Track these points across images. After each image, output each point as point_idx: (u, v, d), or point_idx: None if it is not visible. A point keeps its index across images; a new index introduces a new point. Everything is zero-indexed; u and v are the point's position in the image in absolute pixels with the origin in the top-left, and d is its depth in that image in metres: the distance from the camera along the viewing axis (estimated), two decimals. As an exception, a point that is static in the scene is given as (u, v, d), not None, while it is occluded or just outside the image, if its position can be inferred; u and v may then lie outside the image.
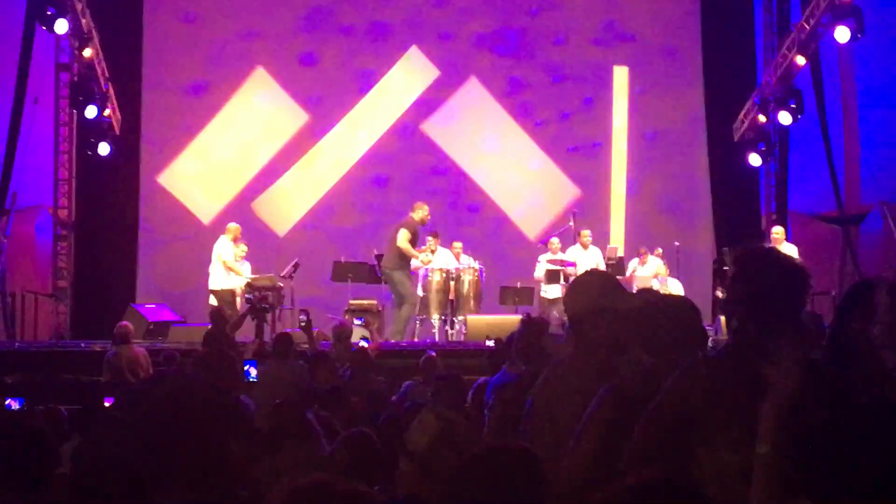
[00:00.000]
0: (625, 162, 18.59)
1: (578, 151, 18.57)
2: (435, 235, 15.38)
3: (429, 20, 18.36)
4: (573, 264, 15.62)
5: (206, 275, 15.09)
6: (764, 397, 2.92)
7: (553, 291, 15.59)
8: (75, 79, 16.37)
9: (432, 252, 15.10)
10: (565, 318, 12.76)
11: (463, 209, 18.28)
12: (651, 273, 15.65)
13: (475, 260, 15.54)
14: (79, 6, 15.33)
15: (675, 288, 15.41)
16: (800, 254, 15.17)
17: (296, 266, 15.03)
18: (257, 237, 16.95)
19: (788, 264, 3.25)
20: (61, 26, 14.95)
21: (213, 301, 15.17)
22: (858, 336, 3.82)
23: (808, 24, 15.73)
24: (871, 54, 17.12)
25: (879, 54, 17.06)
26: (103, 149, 16.46)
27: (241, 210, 17.42)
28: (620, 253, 16.90)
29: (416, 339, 14.59)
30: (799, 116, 16.35)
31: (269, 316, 13.30)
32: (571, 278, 15.53)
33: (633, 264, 16.09)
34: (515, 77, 18.53)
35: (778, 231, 15.39)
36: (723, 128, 17.93)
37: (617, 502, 2.18)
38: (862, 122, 17.64)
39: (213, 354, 8.21)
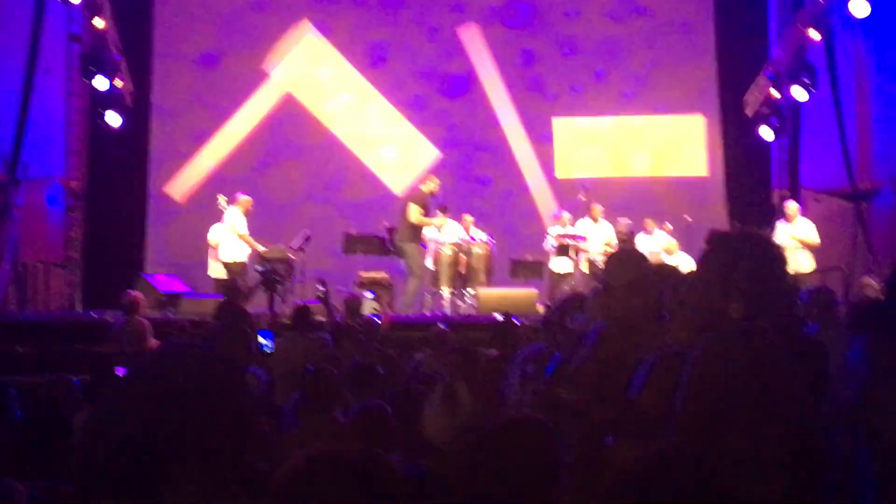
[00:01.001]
0: (636, 137, 18.54)
1: (590, 125, 18.52)
2: (444, 209, 15.36)
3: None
4: (584, 238, 15.61)
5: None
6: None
7: (563, 265, 15.58)
8: (87, 49, 16.32)
9: (439, 227, 15.11)
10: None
11: (474, 182, 18.24)
12: (658, 247, 15.60)
13: (485, 233, 15.53)
14: (91, -25, 15.30)
15: (685, 263, 15.36)
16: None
17: (307, 238, 15.03)
18: (268, 209, 16.96)
19: (763, 244, 3.26)
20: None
21: (215, 273, 15.19)
22: None
23: (823, -1, 15.65)
24: (887, 30, 16.99)
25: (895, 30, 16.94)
26: (114, 119, 16.46)
27: (251, 181, 17.40)
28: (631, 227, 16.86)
29: (426, 313, 14.61)
30: (812, 91, 16.25)
31: (279, 288, 13.32)
32: (581, 252, 15.54)
33: (639, 237, 16.04)
34: (528, 49, 18.46)
35: (792, 206, 15.29)
36: (735, 102, 17.85)
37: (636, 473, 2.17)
38: (875, 98, 17.53)
39: (224, 327, 8.24)
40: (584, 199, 16.00)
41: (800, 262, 14.66)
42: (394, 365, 8.74)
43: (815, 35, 16.02)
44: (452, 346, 8.43)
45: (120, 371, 8.85)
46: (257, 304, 12.56)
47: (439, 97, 18.42)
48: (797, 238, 14.82)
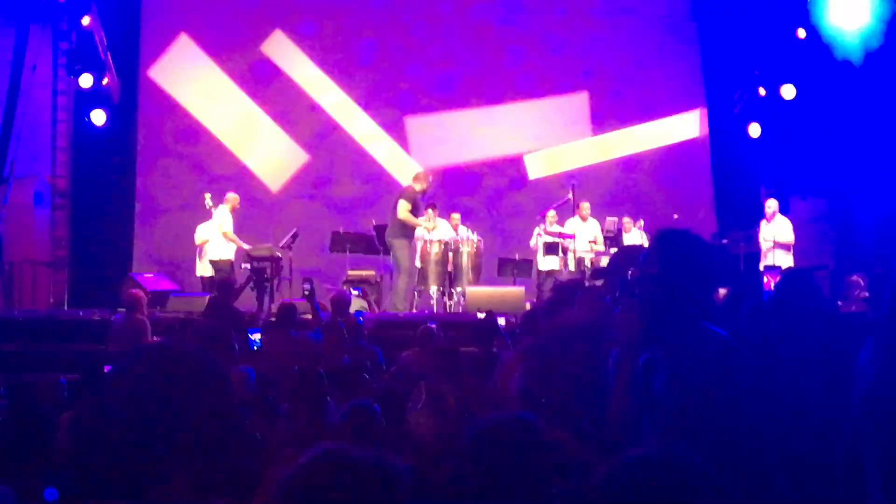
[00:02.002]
0: (623, 134, 18.58)
1: (576, 124, 18.56)
2: (433, 207, 15.39)
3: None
4: (572, 236, 15.64)
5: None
6: None
7: (550, 263, 15.61)
8: (73, 47, 16.27)
9: (428, 228, 15.11)
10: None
11: (463, 179, 18.25)
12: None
13: (473, 231, 15.54)
14: (77, -27, 15.27)
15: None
16: (795, 228, 15.29)
17: (294, 236, 15.03)
18: (255, 207, 16.96)
19: (699, 246, 3.29)
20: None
21: (202, 272, 15.20)
22: None
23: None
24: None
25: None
26: (99, 118, 16.41)
27: (239, 179, 17.38)
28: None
29: (414, 311, 14.61)
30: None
31: (267, 286, 13.33)
32: (569, 251, 15.58)
33: (627, 235, 16.16)
34: (518, 47, 18.48)
35: (771, 204, 15.45)
36: (722, 99, 17.90)
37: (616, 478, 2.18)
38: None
39: (208, 324, 8.23)
40: (571, 197, 16.02)
41: (779, 260, 14.87)
42: (380, 363, 8.75)
43: (801, 33, 16.11)
44: (439, 345, 8.42)
45: (107, 369, 8.84)
46: (246, 302, 12.57)
47: (435, 101, 18.43)
48: (773, 237, 15.03)
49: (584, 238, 15.73)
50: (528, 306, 13.38)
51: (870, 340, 3.47)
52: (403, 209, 14.26)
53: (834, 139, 16.55)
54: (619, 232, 16.10)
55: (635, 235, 15.89)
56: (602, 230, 15.93)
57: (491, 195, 18.33)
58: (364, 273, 15.26)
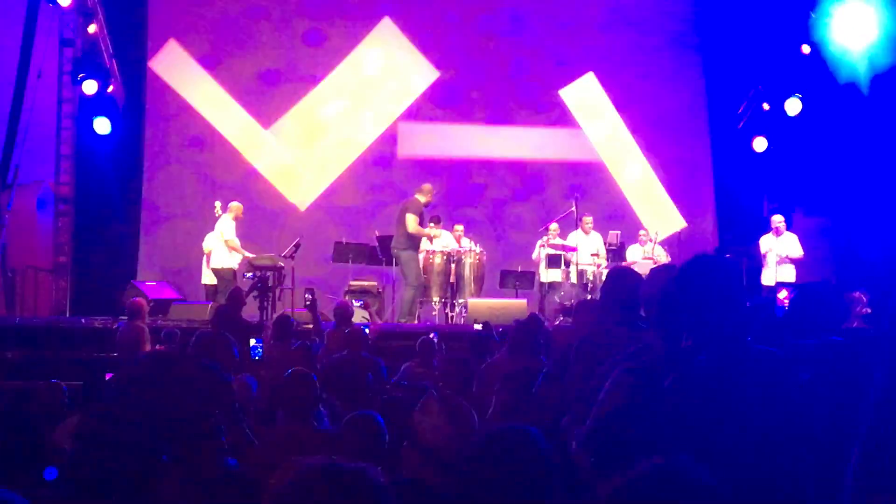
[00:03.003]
0: (627, 147, 18.60)
1: (580, 137, 18.57)
2: (437, 220, 15.37)
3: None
4: (575, 249, 15.65)
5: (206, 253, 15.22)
6: None
7: (553, 276, 15.60)
8: (78, 54, 16.30)
9: (434, 238, 15.11)
10: (566, 304, 12.74)
11: (465, 191, 18.25)
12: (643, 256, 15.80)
13: (476, 243, 15.54)
14: (83, -19, 15.29)
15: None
16: (801, 242, 15.30)
17: (297, 245, 15.02)
18: (258, 215, 16.96)
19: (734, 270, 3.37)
20: (65, 0, 14.90)
21: (206, 280, 15.24)
22: None
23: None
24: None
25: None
26: (102, 126, 16.37)
27: (242, 188, 17.38)
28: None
29: (416, 322, 14.60)
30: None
31: (269, 295, 13.33)
32: (572, 263, 15.58)
33: (630, 248, 16.20)
34: (519, 60, 18.50)
35: (777, 219, 15.46)
36: (726, 114, 17.92)
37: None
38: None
39: (211, 334, 8.22)
40: (574, 210, 16.04)
41: (783, 275, 14.90)
42: (382, 374, 8.73)
43: (806, 48, 16.11)
44: (441, 356, 8.42)
45: (109, 376, 8.84)
46: (247, 312, 12.56)
47: (432, 106, 18.45)
48: (785, 252, 15.06)
49: (587, 251, 15.73)
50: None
51: (878, 357, 3.49)
52: (413, 222, 14.26)
53: (838, 155, 16.54)
54: (622, 245, 16.13)
55: (649, 249, 15.94)
56: (605, 243, 15.94)
57: (494, 206, 18.32)
58: (366, 283, 15.26)
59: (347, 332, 9.63)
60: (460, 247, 15.36)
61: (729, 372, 3.16)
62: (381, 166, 18.24)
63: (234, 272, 14.78)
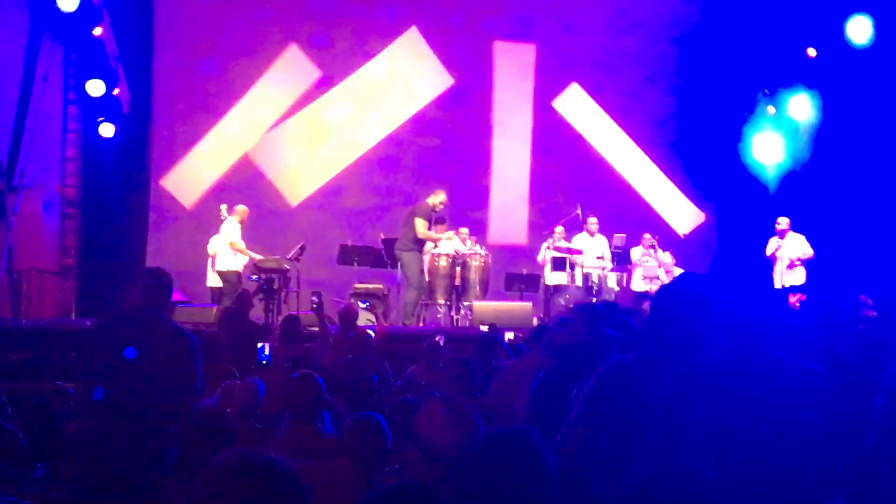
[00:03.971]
0: (627, 151, 18.61)
1: (581, 140, 18.58)
2: (441, 222, 15.37)
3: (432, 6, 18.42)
4: (580, 252, 15.64)
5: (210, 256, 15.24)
6: None
7: (558, 279, 15.60)
8: (84, 57, 16.28)
9: (447, 240, 15.13)
10: (571, 306, 12.74)
11: (471, 194, 18.25)
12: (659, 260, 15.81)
13: (481, 246, 15.54)
14: (89, -16, 15.29)
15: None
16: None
17: (302, 248, 15.04)
18: (265, 218, 16.96)
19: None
20: (71, 3, 14.90)
21: (212, 283, 15.25)
22: None
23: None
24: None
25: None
26: (107, 130, 16.38)
27: (248, 191, 17.38)
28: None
29: (421, 324, 14.61)
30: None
31: (275, 298, 13.34)
32: (577, 266, 15.57)
33: (634, 251, 16.19)
34: (522, 60, 18.50)
35: (783, 221, 15.42)
36: (730, 116, 17.91)
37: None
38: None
39: (220, 335, 8.23)
40: (579, 213, 16.04)
41: (792, 278, 14.87)
42: (387, 377, 8.74)
43: (811, 52, 16.11)
44: (446, 359, 8.42)
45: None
46: (253, 314, 12.57)
47: (435, 109, 18.46)
48: (787, 254, 15.02)
49: (592, 254, 15.73)
50: (535, 321, 13.40)
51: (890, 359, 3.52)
52: (422, 226, 14.29)
53: (840, 159, 16.52)
54: (628, 248, 16.12)
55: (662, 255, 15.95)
56: (610, 246, 15.93)
57: (500, 209, 18.33)
58: (371, 286, 15.27)
59: (352, 336, 9.64)
60: (465, 249, 15.36)
61: (727, 373, 3.17)
62: (386, 168, 18.25)
63: (238, 275, 14.79)
